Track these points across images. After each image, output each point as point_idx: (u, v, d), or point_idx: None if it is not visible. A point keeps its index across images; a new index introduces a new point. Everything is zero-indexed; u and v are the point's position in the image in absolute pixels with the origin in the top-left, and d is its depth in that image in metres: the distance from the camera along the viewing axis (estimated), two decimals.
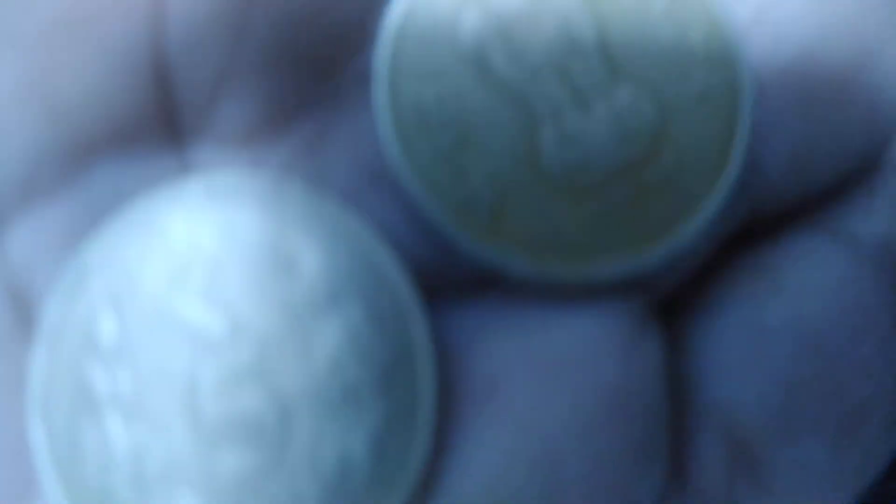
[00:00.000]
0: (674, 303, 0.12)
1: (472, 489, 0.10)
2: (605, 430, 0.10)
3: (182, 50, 0.10)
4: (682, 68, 0.11)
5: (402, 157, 0.11)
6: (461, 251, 0.11)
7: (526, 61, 0.11)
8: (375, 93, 0.11)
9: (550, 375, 0.11)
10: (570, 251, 0.11)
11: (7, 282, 0.11)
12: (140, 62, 0.10)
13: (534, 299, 0.11)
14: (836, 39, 0.12)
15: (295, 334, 0.10)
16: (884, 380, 0.12)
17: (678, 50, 0.11)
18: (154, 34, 0.10)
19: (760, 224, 0.12)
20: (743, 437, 0.11)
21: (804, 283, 0.12)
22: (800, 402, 0.11)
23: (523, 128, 0.11)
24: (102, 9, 0.10)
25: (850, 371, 0.11)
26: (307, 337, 0.10)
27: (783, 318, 0.11)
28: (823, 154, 0.12)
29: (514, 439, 0.10)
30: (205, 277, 0.11)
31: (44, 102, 0.10)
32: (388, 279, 0.11)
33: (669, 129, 0.11)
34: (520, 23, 0.11)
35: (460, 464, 0.10)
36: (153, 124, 0.11)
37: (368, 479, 0.10)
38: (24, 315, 0.11)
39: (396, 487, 0.10)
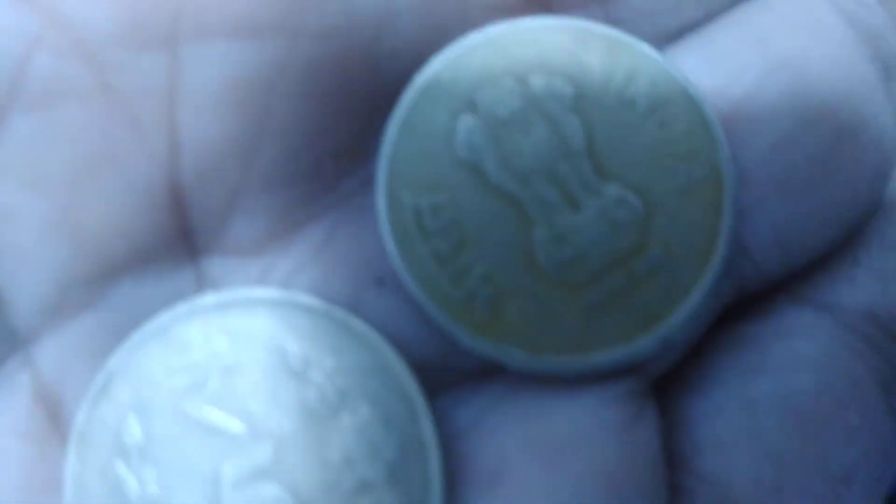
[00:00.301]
0: (666, 380, 0.12)
1: None
2: None
3: (195, 177, 0.11)
4: (666, 164, 0.12)
5: (402, 262, 0.12)
6: (462, 346, 0.12)
7: (518, 166, 0.12)
8: (376, 202, 0.12)
9: (552, 460, 0.11)
10: (566, 344, 0.12)
11: (40, 391, 0.12)
12: (157, 192, 0.11)
13: (533, 386, 0.12)
14: (814, 125, 0.12)
15: (309, 434, 0.11)
16: (868, 445, 0.12)
17: (661, 146, 0.12)
18: (170, 166, 0.11)
19: (747, 299, 0.13)
20: None
21: (789, 358, 0.12)
22: (788, 472, 0.12)
23: (517, 229, 0.12)
24: (123, 148, 0.11)
25: (835, 439, 0.12)
26: (320, 436, 0.11)
27: (770, 392, 0.12)
28: (806, 233, 0.13)
29: None
30: (222, 383, 0.11)
31: (69, 234, 0.11)
32: (394, 378, 0.11)
33: (656, 221, 0.12)
34: (512, 128, 0.12)
35: None
36: (170, 244, 0.12)
37: None
38: (57, 420, 0.12)
39: None
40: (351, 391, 0.11)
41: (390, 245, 0.12)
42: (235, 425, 0.11)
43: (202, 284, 0.12)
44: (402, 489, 0.11)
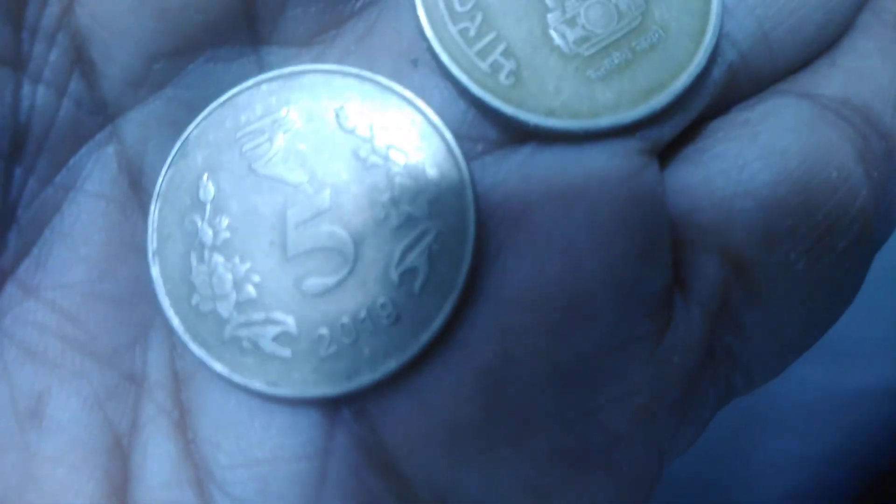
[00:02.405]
0: (670, 153, 0.14)
1: (510, 293, 0.13)
2: (616, 237, 0.13)
3: None
4: None
5: (435, 41, 0.13)
6: (489, 112, 0.13)
7: None
8: None
9: (569, 199, 0.13)
10: (578, 108, 0.13)
11: (124, 161, 0.14)
12: None
13: (551, 151, 0.13)
14: None
15: (361, 180, 0.13)
16: (846, 201, 0.14)
17: None
18: None
19: (740, 98, 0.15)
20: (734, 250, 0.13)
21: (776, 127, 0.14)
22: (777, 219, 0.13)
23: (535, 11, 0.14)
24: None
25: (818, 191, 0.14)
26: (371, 181, 0.13)
27: (760, 154, 0.14)
28: (786, 28, 0.14)
29: (543, 251, 0.13)
30: (284, 143, 0.13)
31: (155, 9, 0.13)
32: (435, 129, 0.13)
33: (653, 8, 0.14)
34: None
35: (500, 273, 0.13)
36: (237, 29, 0.13)
37: (427, 285, 0.13)
38: (137, 188, 0.14)
39: (450, 291, 0.13)
40: (396, 142, 0.13)
41: (425, 27, 0.13)
42: (297, 176, 0.13)
43: (263, 70, 0.14)
44: (442, 222, 0.13)
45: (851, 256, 0.14)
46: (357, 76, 0.13)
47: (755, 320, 0.14)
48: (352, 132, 0.13)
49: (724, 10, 0.14)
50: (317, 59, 0.14)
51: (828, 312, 0.14)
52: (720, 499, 0.31)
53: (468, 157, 0.13)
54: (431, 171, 0.13)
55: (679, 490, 0.31)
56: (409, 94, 0.13)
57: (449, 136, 0.13)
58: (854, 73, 0.15)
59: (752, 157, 0.14)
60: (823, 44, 0.15)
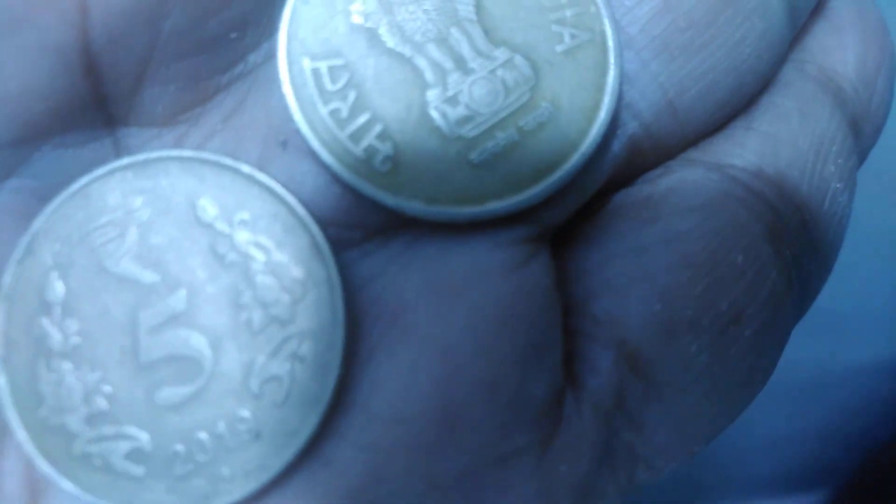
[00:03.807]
0: (562, 233, 0.13)
1: (381, 405, 0.12)
2: (498, 339, 0.12)
3: (105, 39, 0.12)
4: (552, 29, 0.13)
5: (304, 123, 0.12)
6: (364, 199, 0.12)
7: (411, 33, 0.13)
8: (278, 68, 0.12)
9: (448, 297, 0.12)
10: (461, 194, 0.12)
11: None
12: (70, 54, 0.12)
13: (433, 238, 0.12)
14: None
15: (220, 280, 0.12)
16: (754, 284, 0.13)
17: (547, 13, 0.13)
18: (80, 27, 0.12)
19: (645, 168, 0.14)
20: (631, 343, 0.12)
21: (679, 206, 0.13)
22: (677, 308, 0.12)
23: (413, 89, 0.13)
24: (34, 9, 0.12)
25: (721, 277, 0.13)
26: (230, 280, 0.12)
27: (660, 237, 0.13)
28: (694, 94, 0.13)
29: (417, 355, 0.12)
30: (137, 238, 0.12)
31: None
32: (300, 223, 0.12)
33: (543, 81, 0.13)
34: (404, 1, 0.13)
35: (371, 381, 0.12)
36: (87, 111, 0.12)
37: (291, 396, 0.11)
38: None
39: (316, 403, 0.12)
40: (258, 238, 0.12)
41: (293, 109, 0.12)
42: (150, 276, 0.12)
43: (120, 154, 0.13)
44: (308, 326, 0.12)
45: (761, 342, 0.13)
46: (216, 164, 0.12)
47: (656, 417, 0.13)
48: (209, 226, 0.12)
49: (626, 80, 0.13)
50: (179, 140, 0.13)
51: (737, 400, 0.14)
52: (711, 476, 0.31)
53: (346, 245, 0.12)
54: (296, 270, 0.12)
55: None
56: (273, 183, 0.12)
57: (316, 230, 0.12)
58: (770, 138, 0.14)
59: (651, 240, 0.13)
60: (737, 106, 0.14)
